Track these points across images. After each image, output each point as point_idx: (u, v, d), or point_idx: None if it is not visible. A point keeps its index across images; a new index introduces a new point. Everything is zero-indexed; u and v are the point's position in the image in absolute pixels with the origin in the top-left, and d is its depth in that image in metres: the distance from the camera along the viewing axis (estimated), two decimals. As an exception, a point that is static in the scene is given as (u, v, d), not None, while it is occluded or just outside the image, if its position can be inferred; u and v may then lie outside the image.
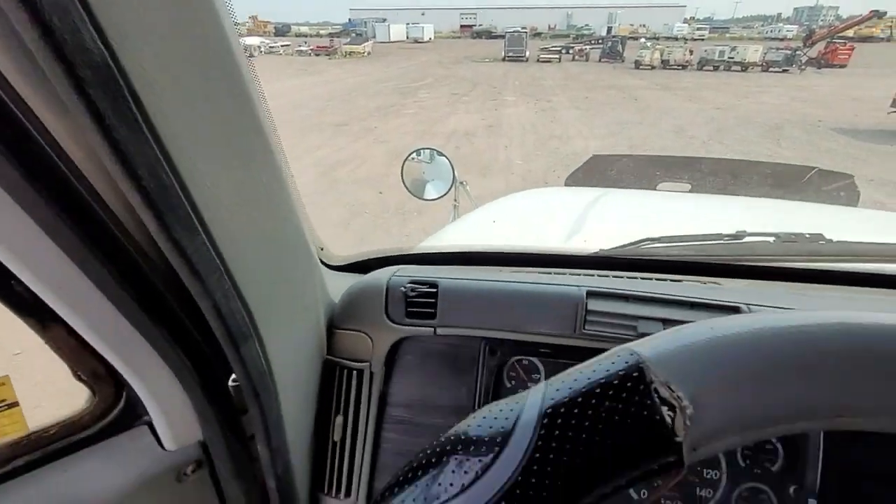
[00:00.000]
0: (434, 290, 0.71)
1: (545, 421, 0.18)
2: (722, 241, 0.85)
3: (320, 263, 0.74)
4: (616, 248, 0.85)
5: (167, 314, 0.48)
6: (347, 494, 0.71)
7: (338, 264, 0.81)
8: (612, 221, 1.28)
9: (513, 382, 0.72)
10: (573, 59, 27.03)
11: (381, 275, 0.75)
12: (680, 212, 1.35)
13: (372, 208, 4.65)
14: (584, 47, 28.84)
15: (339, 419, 0.71)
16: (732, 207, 1.39)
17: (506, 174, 5.81)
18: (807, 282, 0.78)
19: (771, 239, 0.84)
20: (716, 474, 0.65)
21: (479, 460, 0.18)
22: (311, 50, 30.63)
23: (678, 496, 0.66)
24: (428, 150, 1.55)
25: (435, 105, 11.07)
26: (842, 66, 21.09)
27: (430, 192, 1.46)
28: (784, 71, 20.28)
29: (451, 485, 0.18)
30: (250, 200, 0.43)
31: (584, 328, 0.66)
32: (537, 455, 0.18)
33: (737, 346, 0.19)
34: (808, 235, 0.84)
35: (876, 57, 24.61)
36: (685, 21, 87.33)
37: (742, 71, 20.70)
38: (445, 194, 1.43)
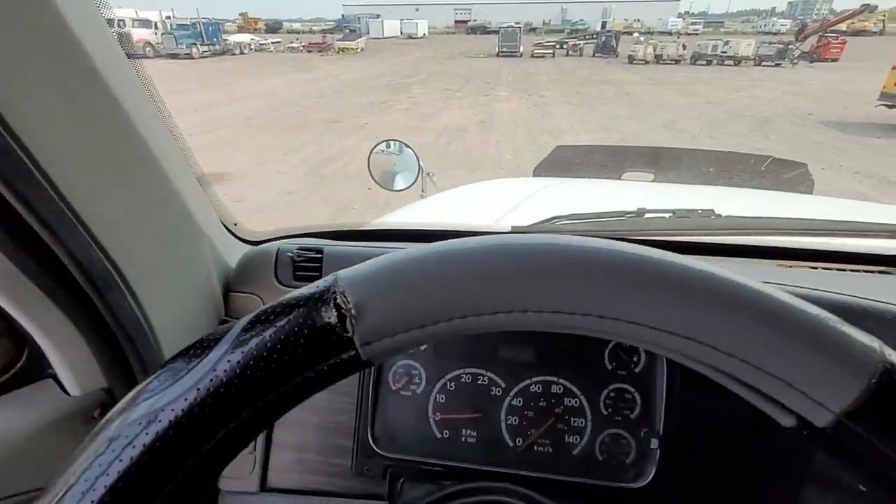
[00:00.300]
0: (319, 255, 0.76)
1: (248, 324, 0.23)
2: (623, 218, 0.91)
3: (230, 235, 0.80)
4: (527, 225, 0.89)
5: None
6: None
7: (255, 239, 0.85)
8: (544, 205, 1.31)
9: None
10: (567, 55, 27.01)
11: (274, 243, 0.79)
12: (618, 197, 1.40)
13: (361, 204, 4.64)
14: (578, 42, 28.83)
15: None
16: (676, 193, 1.43)
17: (495, 169, 5.80)
18: (697, 253, 0.82)
19: (667, 215, 0.91)
20: (581, 422, 0.72)
21: (195, 356, 0.23)
22: (303, 47, 30.47)
23: (549, 443, 0.72)
24: (396, 143, 1.54)
25: (427, 101, 11.04)
26: (834, 60, 21.18)
27: (399, 183, 1.47)
28: (777, 65, 20.34)
29: (162, 383, 0.22)
30: (106, 160, 0.47)
31: None
32: (233, 350, 0.22)
33: (404, 261, 0.23)
34: (700, 211, 0.90)
35: (867, 51, 24.73)
36: (679, 16, 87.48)
37: (735, 65, 20.74)
38: (413, 184, 1.44)
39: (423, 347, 0.75)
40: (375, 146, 1.46)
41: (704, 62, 21.38)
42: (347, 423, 0.74)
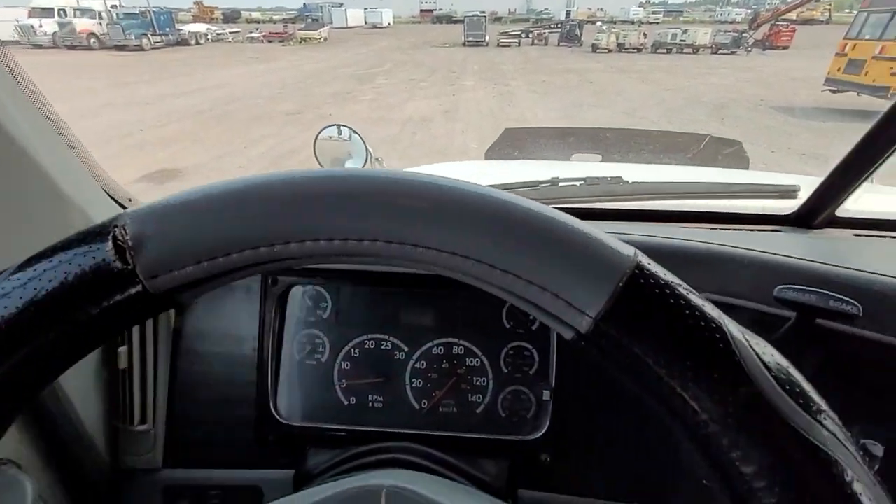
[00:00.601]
0: None
1: (23, 263, 0.22)
2: (538, 188, 0.94)
3: (120, 207, 0.75)
4: None
5: None
6: (143, 421, 0.72)
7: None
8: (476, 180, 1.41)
9: (302, 312, 0.76)
10: (532, 43, 27.14)
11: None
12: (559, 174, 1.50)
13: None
14: (543, 31, 29.00)
15: (123, 349, 0.70)
16: (618, 171, 1.51)
17: (460, 157, 5.78)
18: (604, 219, 0.87)
19: (579, 183, 0.94)
20: (483, 381, 0.74)
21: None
22: (264, 36, 29.42)
23: (453, 403, 0.74)
24: (345, 128, 1.49)
25: (393, 91, 10.88)
26: (785, 48, 22.08)
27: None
28: (732, 53, 21.04)
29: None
30: None
31: None
32: (5, 289, 0.21)
33: (191, 192, 0.22)
34: (609, 178, 0.94)
35: (815, 38, 25.90)
36: (641, 5, 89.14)
37: (693, 53, 21.34)
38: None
39: (325, 314, 0.76)
40: (321, 131, 1.40)
41: (665, 51, 21.91)
42: (249, 395, 0.74)
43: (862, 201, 0.80)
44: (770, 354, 0.19)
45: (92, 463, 0.69)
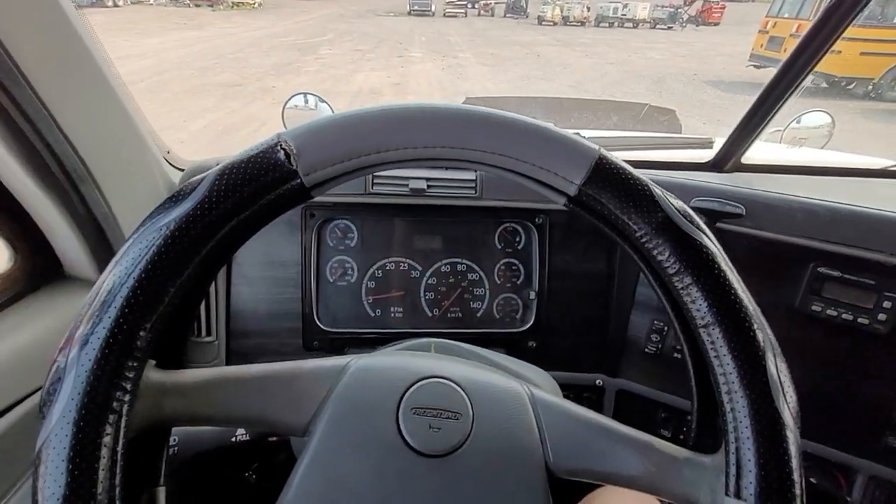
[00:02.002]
0: None
1: (217, 176, 0.30)
2: None
3: (164, 161, 0.86)
4: None
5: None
6: (209, 334, 0.86)
7: (184, 166, 0.92)
8: None
9: (333, 241, 0.91)
10: (479, 14, 26.80)
11: (216, 158, 0.88)
12: None
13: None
14: (489, 2, 28.67)
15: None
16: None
17: (414, 132, 5.75)
18: None
19: None
20: (482, 291, 0.93)
21: (179, 200, 0.30)
22: (191, 0, 27.07)
23: (458, 310, 0.93)
24: (312, 97, 1.50)
25: (338, 62, 10.48)
26: (716, 24, 23.23)
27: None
28: (669, 28, 21.89)
29: (164, 211, 0.30)
30: (70, 72, 0.61)
31: (371, 188, 0.87)
32: (211, 192, 0.30)
33: (330, 118, 0.32)
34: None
35: (743, 15, 27.42)
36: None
37: (633, 27, 21.99)
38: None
39: (353, 243, 0.91)
40: (289, 100, 1.41)
41: (607, 24, 22.38)
42: (295, 310, 0.88)
43: (764, 152, 1.03)
44: (678, 201, 0.32)
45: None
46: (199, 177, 0.31)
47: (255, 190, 0.30)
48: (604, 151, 0.32)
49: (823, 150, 1.24)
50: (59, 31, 0.58)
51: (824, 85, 8.11)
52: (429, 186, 0.87)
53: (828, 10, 0.72)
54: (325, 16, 23.08)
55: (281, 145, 0.31)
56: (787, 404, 0.29)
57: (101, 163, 0.64)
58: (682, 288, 0.31)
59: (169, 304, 0.29)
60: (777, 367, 0.30)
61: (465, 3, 27.14)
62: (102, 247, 0.68)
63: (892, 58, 8.10)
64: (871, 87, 8.41)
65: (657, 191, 0.32)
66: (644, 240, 0.31)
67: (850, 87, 8.56)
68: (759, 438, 0.28)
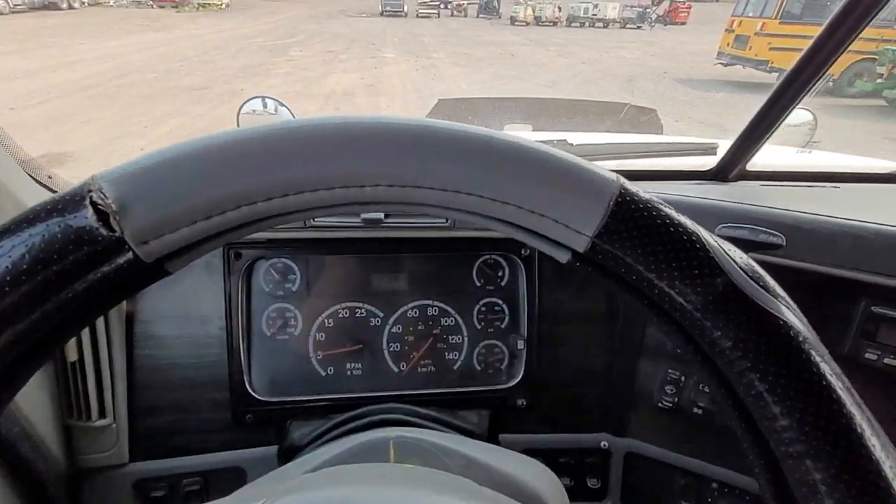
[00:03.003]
0: None
1: None
2: None
3: (43, 188, 0.67)
4: None
5: None
6: (102, 416, 0.68)
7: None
8: None
9: (270, 286, 0.75)
10: (452, 15, 26.82)
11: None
12: None
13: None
14: (462, 2, 28.72)
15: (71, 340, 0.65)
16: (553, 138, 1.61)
17: (389, 134, 5.65)
18: None
19: None
20: (458, 339, 0.78)
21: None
22: (154, 1, 26.20)
23: (431, 363, 0.78)
24: (270, 101, 1.38)
25: (309, 64, 10.26)
26: (683, 24, 23.84)
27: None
28: (638, 27, 22.33)
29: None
30: None
31: (314, 219, 0.70)
32: None
33: (174, 150, 0.20)
34: (555, 141, 0.99)
35: (709, 14, 28.22)
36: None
37: (604, 27, 22.36)
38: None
39: (295, 287, 0.74)
40: (244, 104, 1.29)
41: (578, 24, 22.71)
42: (219, 375, 0.71)
43: (766, 158, 0.93)
44: (737, 253, 0.22)
45: (45, 464, 0.63)
46: None
47: (46, 278, 0.18)
48: (625, 181, 0.23)
49: (824, 153, 1.19)
50: None
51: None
52: (387, 215, 0.71)
53: (841, 12, 0.64)
54: (294, 17, 22.67)
55: (91, 197, 0.19)
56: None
57: None
58: (753, 395, 0.21)
59: None
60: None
61: (437, 3, 27.11)
62: None
63: (853, 55, 8.42)
64: (831, 83, 8.72)
65: (712, 242, 0.22)
66: (694, 315, 0.21)
67: (813, 83, 8.87)
68: None
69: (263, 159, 0.20)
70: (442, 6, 27.11)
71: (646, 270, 0.22)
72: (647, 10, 23.07)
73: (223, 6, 25.75)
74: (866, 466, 0.19)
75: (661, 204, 0.23)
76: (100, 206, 0.19)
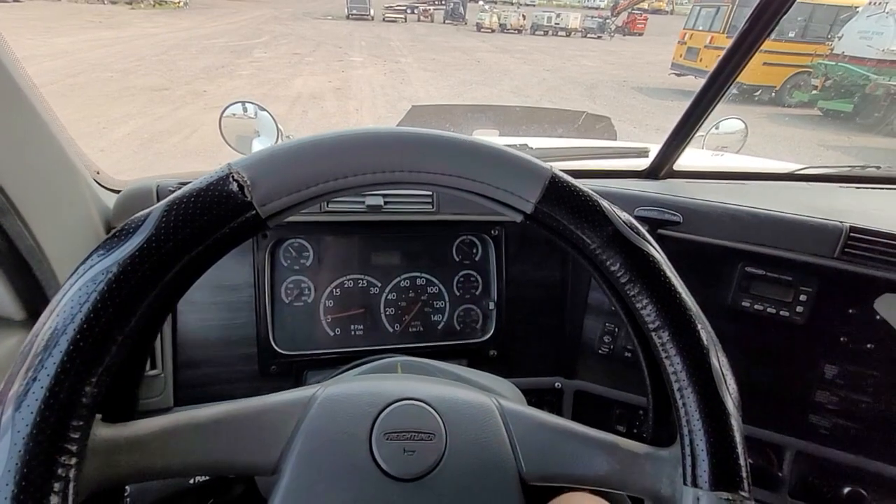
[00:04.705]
0: None
1: (164, 211, 0.28)
2: None
3: (94, 182, 0.80)
4: None
5: None
6: (153, 367, 0.80)
7: (116, 188, 0.87)
8: None
9: (288, 261, 0.88)
10: (419, 20, 26.94)
11: (150, 180, 0.83)
12: None
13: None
14: (428, 8, 28.91)
15: None
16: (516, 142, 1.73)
17: (358, 137, 5.67)
18: None
19: None
20: (442, 304, 0.94)
21: (123, 238, 0.28)
22: (107, -4, 24.99)
23: (419, 324, 0.93)
24: (251, 105, 1.44)
25: (275, 66, 10.12)
26: (640, 34, 24.90)
27: (257, 147, 1.38)
28: (598, 37, 23.14)
29: (106, 251, 0.28)
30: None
31: (327, 206, 0.86)
32: (158, 228, 0.28)
33: (283, 146, 0.32)
34: (518, 145, 1.12)
35: (664, 27, 29.60)
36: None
37: (566, 36, 23.03)
38: (273, 147, 1.38)
39: (308, 262, 0.89)
40: (226, 109, 1.34)
41: (542, 32, 23.31)
42: (250, 335, 0.84)
43: (691, 158, 1.13)
44: (625, 214, 0.35)
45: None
46: (143, 212, 0.29)
47: (207, 224, 0.29)
48: (556, 170, 0.34)
49: (741, 156, 1.36)
50: None
51: (734, 91, 8.95)
52: (386, 203, 0.86)
53: (746, 27, 0.79)
54: (257, 17, 22.20)
55: (233, 176, 0.30)
56: (730, 394, 0.32)
57: (24, 190, 0.59)
58: (633, 295, 0.33)
59: (116, 354, 0.26)
60: (719, 361, 0.33)
61: (404, 8, 27.20)
62: (27, 283, 0.63)
63: (791, 68, 9.09)
64: (773, 93, 9.37)
65: (606, 205, 0.34)
66: (597, 252, 0.34)
67: (757, 94, 9.50)
68: (708, 429, 0.31)
69: (335, 154, 0.32)
70: (409, 11, 27.22)
71: (569, 224, 0.34)
72: (607, 21, 23.96)
73: (181, 4, 24.87)
74: (688, 326, 0.33)
75: (578, 184, 0.35)
76: (239, 181, 0.30)
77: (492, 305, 0.95)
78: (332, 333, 0.89)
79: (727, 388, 0.32)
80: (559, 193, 0.33)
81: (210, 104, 6.64)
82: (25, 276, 0.62)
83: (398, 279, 0.92)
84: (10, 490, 0.22)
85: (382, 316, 0.91)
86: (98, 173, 0.82)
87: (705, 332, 0.33)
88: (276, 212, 0.31)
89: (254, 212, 0.30)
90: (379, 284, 0.91)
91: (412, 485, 0.34)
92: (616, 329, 0.96)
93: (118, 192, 0.83)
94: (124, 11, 21.31)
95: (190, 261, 0.29)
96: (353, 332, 0.90)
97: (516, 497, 0.36)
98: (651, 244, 0.34)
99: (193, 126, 5.68)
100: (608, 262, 0.33)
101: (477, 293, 0.95)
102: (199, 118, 6.00)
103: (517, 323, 0.96)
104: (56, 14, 18.11)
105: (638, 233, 0.34)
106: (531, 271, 0.96)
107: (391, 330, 0.92)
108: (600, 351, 0.97)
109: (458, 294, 0.95)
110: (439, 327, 0.94)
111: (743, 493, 0.31)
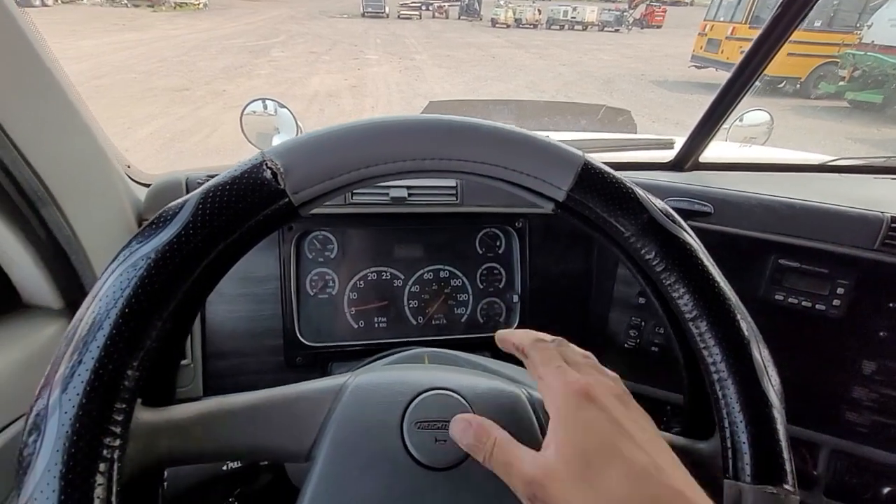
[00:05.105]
0: None
1: (200, 199, 0.28)
2: None
3: (127, 178, 0.81)
4: None
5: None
6: (183, 357, 0.81)
7: (146, 182, 0.88)
8: None
9: (313, 254, 0.89)
10: (433, 16, 26.90)
11: (179, 173, 0.84)
12: None
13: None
14: (443, 4, 28.86)
15: None
16: None
17: (374, 135, 5.70)
18: None
19: None
20: (465, 297, 0.94)
21: (161, 225, 0.28)
22: (129, 0, 25.62)
23: (443, 317, 0.93)
24: (271, 102, 1.46)
25: (292, 65, 10.23)
26: (658, 27, 24.43)
27: (277, 143, 1.41)
28: (616, 30, 22.77)
29: (145, 238, 0.28)
30: (27, 90, 0.57)
31: (351, 198, 0.85)
32: (195, 216, 0.28)
33: (315, 134, 0.31)
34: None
35: (683, 19, 28.97)
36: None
37: (583, 30, 22.73)
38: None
39: (332, 254, 0.89)
40: (246, 106, 1.36)
41: (558, 27, 23.04)
42: (276, 326, 0.85)
43: (716, 150, 1.10)
44: (659, 202, 0.34)
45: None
46: (179, 201, 0.29)
47: (242, 212, 0.29)
48: (588, 157, 0.33)
49: (768, 147, 1.33)
50: (6, 40, 0.54)
51: (758, 84, 8.72)
52: (409, 195, 0.86)
53: (776, 16, 0.77)
54: (274, 17, 22.45)
55: (266, 164, 0.30)
56: (773, 386, 0.31)
57: (62, 182, 0.60)
58: (669, 284, 0.32)
59: (156, 339, 0.27)
60: (761, 353, 0.32)
61: (419, 5, 27.18)
62: (65, 272, 0.64)
63: (816, 59, 8.80)
64: (798, 85, 9.10)
65: (641, 193, 0.33)
66: (631, 240, 0.33)
67: (781, 85, 9.23)
68: (750, 421, 0.30)
69: (368, 141, 0.31)
70: (424, 8, 27.20)
71: (602, 212, 0.33)
72: (625, 14, 23.56)
73: (201, 6, 25.30)
74: (727, 315, 0.32)
75: (611, 171, 0.34)
76: (272, 169, 0.30)
77: (515, 298, 0.94)
78: (355, 326, 0.90)
79: (769, 379, 0.31)
80: (592, 181, 0.32)
81: (229, 104, 6.75)
82: (64, 266, 0.63)
83: (421, 272, 0.92)
84: (58, 469, 0.23)
85: (406, 308, 0.92)
86: (129, 167, 0.84)
87: (745, 322, 0.32)
88: (309, 199, 0.31)
89: (287, 199, 0.30)
90: (402, 277, 0.91)
91: (443, 474, 0.34)
92: (643, 323, 0.94)
93: (148, 185, 0.85)
94: (146, 14, 21.78)
95: (225, 248, 0.29)
96: (376, 325, 0.90)
97: None
98: (687, 232, 0.33)
99: (214, 125, 5.78)
100: (643, 251, 0.32)
101: (500, 286, 0.95)
102: (219, 117, 6.11)
103: (541, 316, 0.95)
104: (81, 18, 18.62)
105: (674, 220, 0.33)
106: (555, 264, 0.95)
107: (414, 322, 0.92)
108: (626, 345, 0.96)
109: (481, 287, 0.94)
110: (462, 320, 0.94)
111: (787, 487, 0.29)
